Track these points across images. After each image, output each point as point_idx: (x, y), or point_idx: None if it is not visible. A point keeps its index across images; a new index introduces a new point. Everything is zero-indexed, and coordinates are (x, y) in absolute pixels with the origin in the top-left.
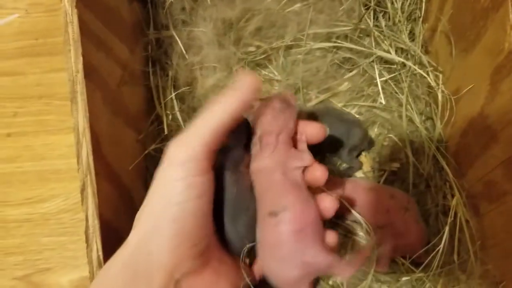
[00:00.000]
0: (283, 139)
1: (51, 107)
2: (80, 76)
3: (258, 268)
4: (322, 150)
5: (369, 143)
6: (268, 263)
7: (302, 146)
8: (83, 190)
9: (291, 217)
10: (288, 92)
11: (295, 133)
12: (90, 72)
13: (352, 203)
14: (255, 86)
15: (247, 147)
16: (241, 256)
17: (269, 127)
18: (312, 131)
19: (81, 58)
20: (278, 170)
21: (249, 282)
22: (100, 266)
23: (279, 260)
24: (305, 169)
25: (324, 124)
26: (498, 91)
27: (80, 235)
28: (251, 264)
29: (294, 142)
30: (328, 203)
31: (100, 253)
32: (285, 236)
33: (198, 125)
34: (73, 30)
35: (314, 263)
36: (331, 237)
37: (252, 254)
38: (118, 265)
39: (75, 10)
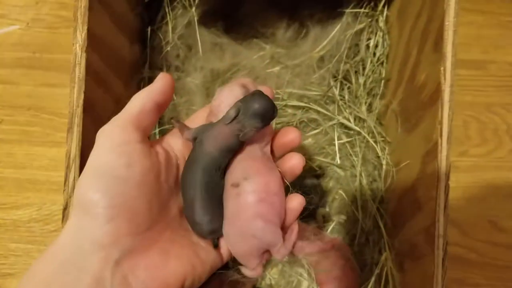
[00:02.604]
0: None
1: (38, 120)
2: (80, 110)
3: (224, 248)
4: None
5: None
6: (226, 234)
7: None
8: (65, 209)
9: (252, 188)
10: (248, 79)
11: None
12: (88, 106)
13: (301, 248)
14: (167, 81)
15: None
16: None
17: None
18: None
19: (82, 95)
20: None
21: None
22: None
23: (235, 231)
24: (273, 141)
25: None
26: (425, 171)
27: (47, 246)
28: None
29: None
30: (296, 160)
31: None
32: (244, 206)
33: (121, 112)
34: (80, 70)
35: (261, 237)
36: (296, 200)
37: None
38: (45, 259)
39: (84, 54)
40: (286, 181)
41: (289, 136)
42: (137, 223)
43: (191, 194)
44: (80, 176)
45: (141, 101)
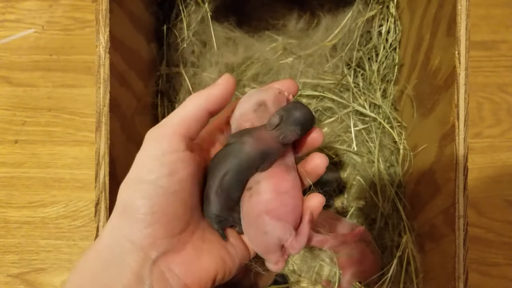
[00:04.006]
0: None
1: (59, 120)
2: (106, 109)
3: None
4: None
5: (338, 184)
6: (245, 233)
7: None
8: (97, 203)
9: (262, 188)
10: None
11: None
12: (113, 105)
13: (323, 242)
14: (228, 85)
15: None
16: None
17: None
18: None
19: (108, 95)
20: None
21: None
22: None
23: (251, 229)
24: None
25: None
26: (443, 153)
27: (76, 241)
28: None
29: None
30: (319, 159)
31: None
32: (255, 205)
33: (171, 115)
34: (104, 71)
35: (271, 232)
36: (315, 199)
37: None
38: (90, 256)
39: (107, 55)
40: (309, 180)
41: (312, 135)
42: (173, 226)
43: (213, 181)
44: (125, 180)
45: (194, 108)
